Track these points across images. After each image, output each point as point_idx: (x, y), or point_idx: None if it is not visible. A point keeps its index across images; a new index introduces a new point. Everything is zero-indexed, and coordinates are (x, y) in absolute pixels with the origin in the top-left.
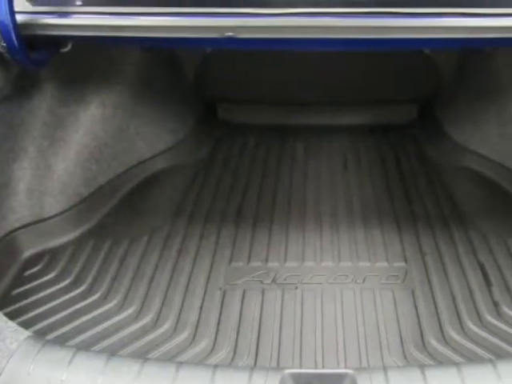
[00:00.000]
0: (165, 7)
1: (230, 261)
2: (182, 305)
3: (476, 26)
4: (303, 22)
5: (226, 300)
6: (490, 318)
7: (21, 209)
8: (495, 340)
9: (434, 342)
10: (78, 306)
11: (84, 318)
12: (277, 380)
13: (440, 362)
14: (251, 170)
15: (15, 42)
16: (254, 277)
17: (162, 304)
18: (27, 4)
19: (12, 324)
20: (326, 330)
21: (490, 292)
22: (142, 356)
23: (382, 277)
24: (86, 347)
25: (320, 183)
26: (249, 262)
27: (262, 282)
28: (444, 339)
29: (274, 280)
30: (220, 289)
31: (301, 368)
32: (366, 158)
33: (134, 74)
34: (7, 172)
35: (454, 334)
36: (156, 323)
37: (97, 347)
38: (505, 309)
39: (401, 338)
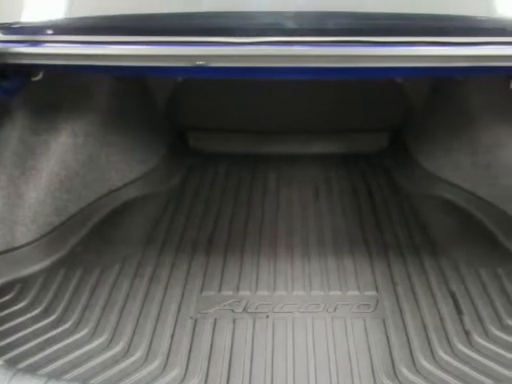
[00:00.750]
0: (136, 36)
1: (202, 290)
2: (154, 333)
3: (447, 54)
4: (274, 51)
5: (197, 329)
6: (461, 347)
7: None
8: (466, 369)
9: (405, 371)
10: (49, 335)
11: (55, 347)
12: None
13: None
14: (223, 198)
15: None
16: (225, 305)
17: (134, 333)
18: None
19: None
20: (298, 358)
21: (461, 321)
22: None
23: (354, 306)
24: (57, 376)
25: (291, 212)
26: (220, 290)
27: (233, 310)
28: (415, 368)
29: (245, 309)
30: (191, 317)
31: None
32: (338, 187)
33: (105, 103)
34: None
35: (425, 362)
36: (127, 352)
37: (68, 376)
38: (476, 338)
39: (372, 367)
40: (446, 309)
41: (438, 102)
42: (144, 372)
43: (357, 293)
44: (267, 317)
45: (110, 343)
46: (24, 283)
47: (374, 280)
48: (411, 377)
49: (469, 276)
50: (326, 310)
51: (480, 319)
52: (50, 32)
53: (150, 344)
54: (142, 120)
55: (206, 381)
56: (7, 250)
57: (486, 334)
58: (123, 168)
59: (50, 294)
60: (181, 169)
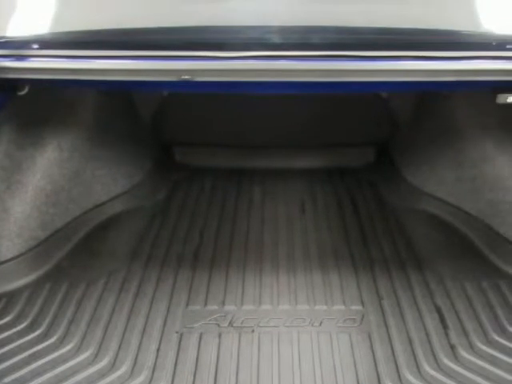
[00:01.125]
0: (121, 50)
1: (187, 304)
2: (139, 348)
3: (433, 69)
4: (260, 66)
5: (182, 343)
6: (446, 361)
7: None
8: (452, 383)
9: None
10: (34, 349)
11: (41, 362)
12: None
13: None
14: (208, 213)
15: None
16: (210, 320)
17: (119, 347)
18: None
19: None
20: (283, 373)
21: (447, 335)
22: None
23: (339, 320)
24: None
25: (277, 226)
26: (206, 305)
27: (218, 325)
28: (401, 382)
29: (230, 323)
30: (177, 332)
31: None
32: (323, 201)
33: (91, 117)
34: None
35: (410, 377)
36: (113, 366)
37: None
38: (461, 352)
39: (358, 381)
40: (432, 323)
41: (423, 116)
42: None
43: (342, 307)
44: (253, 331)
45: (95, 358)
46: (9, 297)
47: (359, 294)
48: None
49: (454, 290)
50: (312, 325)
51: (465, 333)
52: (35, 46)
53: (136, 358)
54: (127, 134)
55: None
56: None
57: (472, 348)
58: (109, 182)
59: (36, 309)
60: (166, 183)
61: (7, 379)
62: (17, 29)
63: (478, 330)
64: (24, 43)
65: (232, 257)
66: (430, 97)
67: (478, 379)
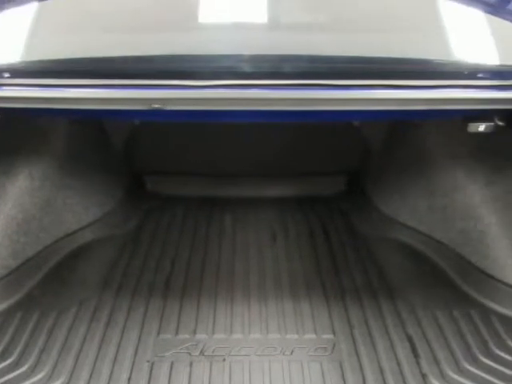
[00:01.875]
0: (92, 79)
1: (158, 333)
2: (110, 377)
3: (404, 98)
4: (231, 94)
5: (154, 372)
6: None
7: None
8: None
9: None
10: (6, 378)
11: None
12: None
13: None
14: (179, 241)
15: None
16: (182, 349)
17: (90, 376)
18: None
19: None
20: None
21: (418, 364)
22: None
23: (310, 349)
24: None
25: (248, 255)
26: (177, 333)
27: (190, 353)
28: None
29: (202, 352)
30: (148, 361)
31: None
32: (295, 230)
33: (62, 146)
34: None
35: None
36: None
37: None
38: (433, 381)
39: None
40: (403, 352)
41: (395, 145)
42: None
43: (314, 336)
44: (224, 360)
45: None
46: None
47: (330, 323)
48: None
49: (425, 319)
50: (283, 353)
51: (437, 362)
52: (6, 75)
53: None
54: (99, 163)
55: None
56: None
57: (443, 377)
58: (80, 211)
59: (7, 338)
60: (137, 212)
61: None
62: None
63: (450, 358)
64: None
65: (203, 286)
66: (402, 125)
67: None
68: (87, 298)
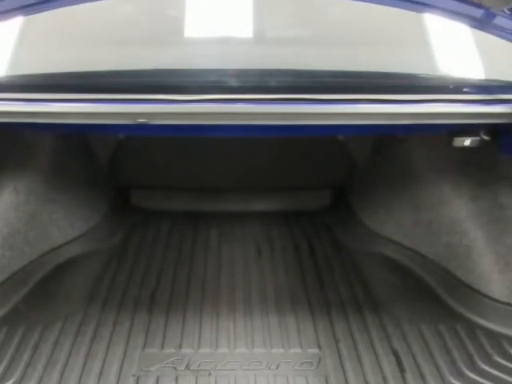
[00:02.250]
0: (77, 94)
1: (144, 347)
2: None
3: (390, 112)
4: (216, 109)
5: None
6: None
7: None
8: None
9: None
10: None
11: None
12: None
13: None
14: (165, 256)
15: None
16: (167, 363)
17: None
18: None
19: None
20: None
21: (404, 378)
22: None
23: (296, 363)
24: None
25: (234, 269)
26: (162, 348)
27: (175, 368)
28: None
29: (187, 366)
30: (133, 375)
31: None
32: (280, 245)
33: (47, 160)
34: None
35: None
36: None
37: None
38: None
39: None
40: (389, 366)
41: (380, 160)
42: None
43: (299, 350)
44: (210, 374)
45: None
46: None
47: (316, 338)
48: None
49: (411, 333)
50: (269, 368)
51: (422, 377)
52: None
53: None
54: (84, 177)
55: None
56: None
57: None
58: (65, 225)
59: None
60: (123, 226)
61: None
62: None
63: (435, 373)
64: None
65: (189, 300)
66: (387, 140)
67: None
68: (72, 312)
